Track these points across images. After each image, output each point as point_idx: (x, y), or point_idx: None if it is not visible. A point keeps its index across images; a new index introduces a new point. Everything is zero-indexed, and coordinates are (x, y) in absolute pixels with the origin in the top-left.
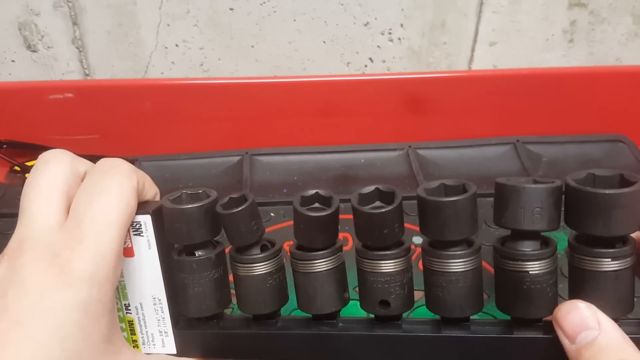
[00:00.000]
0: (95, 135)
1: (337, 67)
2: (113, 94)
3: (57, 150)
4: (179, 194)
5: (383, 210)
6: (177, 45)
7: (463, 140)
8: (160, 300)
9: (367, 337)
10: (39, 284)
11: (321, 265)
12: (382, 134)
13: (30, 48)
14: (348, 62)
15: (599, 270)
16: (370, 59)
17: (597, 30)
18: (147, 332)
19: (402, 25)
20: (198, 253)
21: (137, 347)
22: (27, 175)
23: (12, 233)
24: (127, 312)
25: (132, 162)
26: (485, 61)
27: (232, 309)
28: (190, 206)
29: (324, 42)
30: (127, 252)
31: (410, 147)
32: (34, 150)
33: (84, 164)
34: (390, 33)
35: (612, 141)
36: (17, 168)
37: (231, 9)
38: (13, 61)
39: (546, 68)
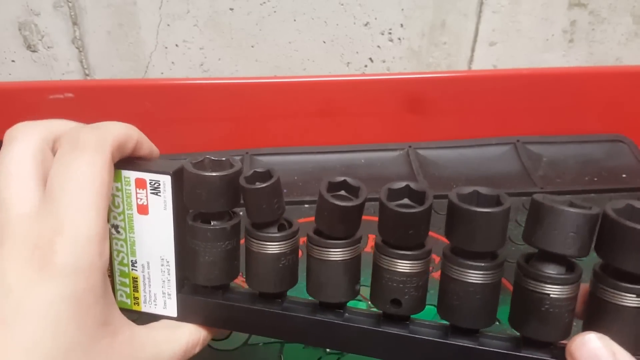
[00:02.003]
0: None
1: (337, 67)
2: (113, 94)
3: (23, 124)
4: (202, 158)
5: (413, 210)
6: (177, 45)
7: (463, 140)
8: (168, 262)
9: (373, 332)
10: (21, 279)
11: (338, 254)
12: (382, 134)
13: (31, 48)
14: (348, 62)
15: (622, 305)
16: (370, 59)
17: (597, 30)
18: (150, 291)
19: (402, 25)
20: (213, 222)
21: (138, 305)
22: None
23: None
24: (132, 269)
25: None
26: (485, 61)
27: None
28: (213, 174)
29: (324, 42)
30: (142, 209)
31: (410, 147)
32: None
33: (54, 129)
34: (390, 33)
35: (612, 141)
36: None
37: (231, 9)
38: (13, 61)
39: (546, 68)
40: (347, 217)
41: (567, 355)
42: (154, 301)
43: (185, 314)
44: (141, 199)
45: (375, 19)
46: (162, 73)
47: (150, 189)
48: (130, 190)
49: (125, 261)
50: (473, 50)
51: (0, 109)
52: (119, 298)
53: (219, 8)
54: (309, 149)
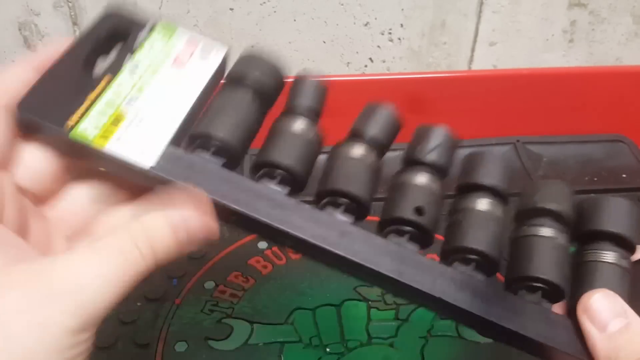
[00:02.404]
0: None
1: (337, 67)
2: None
3: None
4: None
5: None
6: None
7: (463, 140)
8: (179, 111)
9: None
10: None
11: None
12: None
13: (31, 48)
14: (348, 62)
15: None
16: (371, 59)
17: (597, 30)
18: (132, 131)
19: (402, 25)
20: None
21: (104, 139)
22: None
23: None
24: (125, 106)
25: None
26: (485, 61)
27: (233, 309)
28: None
29: (324, 42)
30: (179, 63)
31: None
32: None
33: None
34: (390, 33)
35: (612, 141)
36: None
37: (231, 9)
38: (13, 61)
39: (546, 68)
40: None
41: (579, 314)
42: (130, 143)
43: (166, 167)
44: (184, 55)
45: (375, 19)
46: None
47: (200, 52)
48: (177, 45)
49: (117, 101)
50: (473, 50)
51: None
52: (80, 125)
53: (219, 8)
54: None
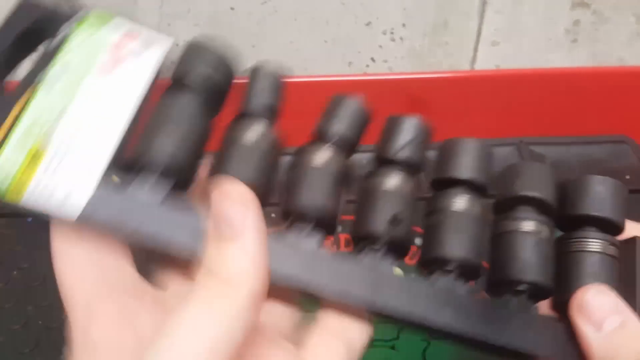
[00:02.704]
0: None
1: (338, 67)
2: None
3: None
4: None
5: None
6: (177, 45)
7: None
8: (109, 136)
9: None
10: None
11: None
12: None
13: None
14: (350, 62)
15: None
16: (372, 58)
17: (600, 30)
18: (53, 173)
19: (404, 25)
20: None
21: (22, 185)
22: None
23: (12, 233)
24: (43, 141)
25: None
26: (488, 61)
27: None
28: None
29: (326, 41)
30: (107, 67)
31: None
32: None
33: None
34: (392, 33)
35: (616, 142)
36: None
37: (232, 9)
38: None
39: (549, 68)
40: None
41: (573, 312)
42: (52, 187)
43: (97, 212)
44: (117, 55)
45: (377, 18)
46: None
47: (140, 47)
48: (107, 41)
49: (35, 130)
50: (475, 50)
51: None
52: None
53: (219, 7)
54: None
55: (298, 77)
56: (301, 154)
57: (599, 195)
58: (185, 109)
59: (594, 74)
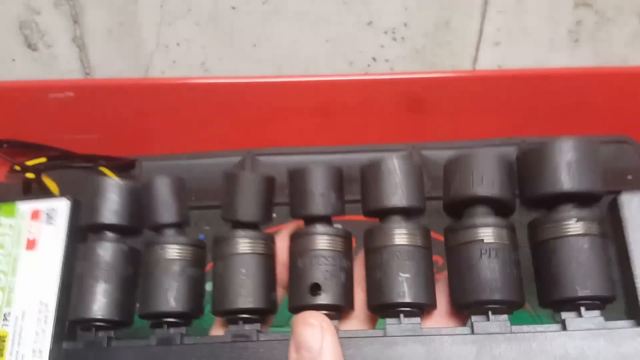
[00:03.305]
0: (95, 135)
1: (340, 66)
2: (113, 93)
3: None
4: None
5: (313, 167)
6: (178, 44)
7: (467, 141)
8: (47, 305)
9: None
10: None
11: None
12: (385, 134)
13: (31, 47)
14: (351, 62)
15: (566, 235)
16: (374, 58)
17: (602, 31)
18: (17, 351)
19: (405, 24)
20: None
21: None
22: (27, 174)
23: None
24: (3, 325)
25: (133, 162)
26: (490, 61)
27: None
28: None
29: (327, 41)
30: (31, 244)
31: (413, 147)
32: (34, 149)
33: None
34: (393, 32)
35: (618, 142)
36: (17, 167)
37: (233, 8)
38: (13, 60)
39: (551, 68)
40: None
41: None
42: None
43: None
44: (32, 233)
45: (379, 18)
46: (163, 72)
47: (45, 219)
48: (23, 224)
49: None
50: (477, 50)
51: (0, 108)
52: None
53: (220, 7)
54: (311, 149)
55: (299, 76)
56: (222, 254)
57: (568, 165)
58: (105, 261)
59: (596, 74)
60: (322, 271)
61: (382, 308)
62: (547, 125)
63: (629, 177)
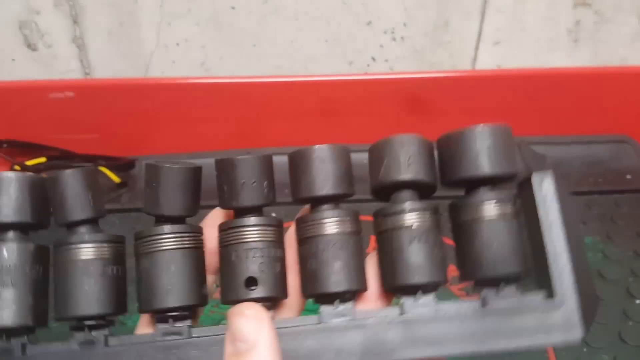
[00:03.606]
0: (95, 135)
1: (339, 66)
2: (113, 93)
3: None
4: None
5: (241, 157)
6: (178, 44)
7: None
8: None
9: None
10: None
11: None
12: (385, 133)
13: (31, 47)
14: (350, 62)
15: (484, 217)
16: (373, 58)
17: (602, 30)
18: None
19: (405, 24)
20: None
21: None
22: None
23: None
24: None
25: (132, 162)
26: (489, 61)
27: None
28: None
29: (326, 41)
30: None
31: None
32: (34, 149)
33: None
34: (393, 32)
35: (617, 142)
36: (17, 167)
37: (233, 8)
38: (13, 60)
39: (550, 68)
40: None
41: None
42: None
43: None
44: None
45: (378, 17)
46: (162, 72)
47: None
48: None
49: None
50: (477, 49)
51: (0, 108)
52: None
53: (220, 7)
54: None
55: (298, 76)
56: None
57: (480, 150)
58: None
59: (595, 73)
60: (256, 264)
61: (317, 296)
62: (546, 125)
63: (628, 176)
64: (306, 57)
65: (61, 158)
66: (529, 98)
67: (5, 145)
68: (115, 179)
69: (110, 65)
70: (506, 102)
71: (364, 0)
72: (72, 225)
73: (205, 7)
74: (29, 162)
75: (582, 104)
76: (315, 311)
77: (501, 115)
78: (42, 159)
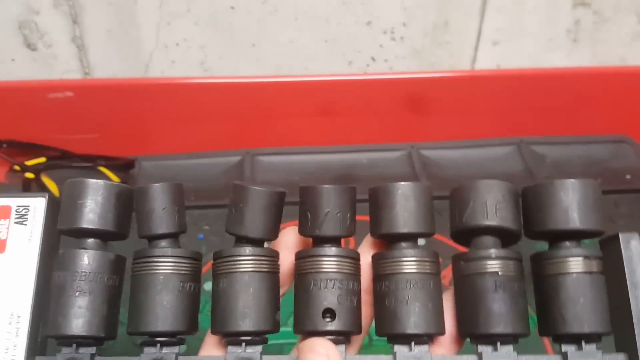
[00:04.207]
0: (95, 135)
1: (339, 66)
2: (113, 93)
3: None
4: None
5: (327, 187)
6: (177, 44)
7: (466, 140)
8: (19, 317)
9: None
10: None
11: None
12: (385, 133)
13: (30, 47)
14: (350, 62)
15: (569, 272)
16: (373, 58)
17: (601, 30)
18: None
19: (404, 24)
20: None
21: None
22: (26, 174)
23: None
24: None
25: (132, 162)
26: (489, 61)
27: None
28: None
29: (326, 41)
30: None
31: (412, 147)
32: (34, 149)
33: None
34: (392, 32)
35: (617, 142)
36: (16, 167)
37: (232, 8)
38: (13, 60)
39: (550, 68)
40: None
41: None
42: None
43: None
44: (0, 232)
45: (378, 17)
46: (162, 72)
47: (15, 217)
48: None
49: None
50: (476, 49)
51: (0, 108)
52: None
53: (219, 7)
54: (310, 149)
55: (298, 76)
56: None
57: (571, 203)
58: (88, 272)
59: (595, 73)
60: (335, 295)
61: (392, 336)
62: (545, 125)
63: (628, 176)
64: (306, 57)
65: (61, 158)
66: (529, 98)
67: (5, 145)
68: (115, 179)
69: (110, 65)
70: (506, 102)
71: (363, 0)
72: (155, 238)
73: (204, 7)
74: (29, 162)
75: (581, 104)
76: (369, 348)
77: (500, 114)
78: (42, 159)
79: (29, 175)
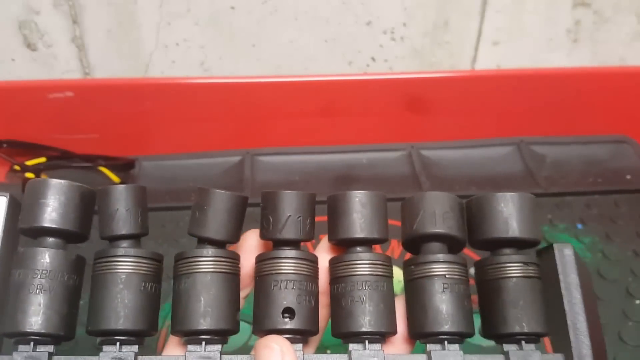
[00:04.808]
0: (95, 135)
1: (339, 66)
2: (113, 93)
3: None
4: None
5: (289, 192)
6: (177, 44)
7: (466, 140)
8: None
9: None
10: None
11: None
12: (385, 134)
13: (30, 47)
14: (350, 62)
15: (509, 277)
16: (373, 58)
17: (601, 30)
18: None
19: (404, 24)
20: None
21: None
22: (26, 174)
23: None
24: None
25: (132, 161)
26: (489, 61)
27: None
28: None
29: (326, 41)
30: None
31: (412, 147)
32: (34, 149)
33: None
34: (392, 32)
35: (616, 142)
36: (17, 167)
37: (232, 8)
38: (13, 60)
39: (550, 68)
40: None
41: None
42: None
43: None
44: None
45: (378, 17)
46: (162, 72)
47: None
48: None
49: None
50: (476, 49)
51: (0, 108)
52: None
53: (219, 7)
54: (310, 149)
55: (298, 76)
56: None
57: (511, 214)
58: (48, 269)
59: (594, 73)
60: (295, 295)
61: (347, 335)
62: (545, 125)
63: (628, 176)
64: (306, 57)
65: (61, 158)
66: (529, 98)
67: (5, 145)
68: (115, 179)
69: (110, 65)
70: (506, 102)
71: (363, 0)
72: (117, 239)
73: (204, 7)
74: (29, 162)
75: (581, 104)
76: (324, 349)
77: (500, 115)
78: (42, 159)
79: (29, 175)
